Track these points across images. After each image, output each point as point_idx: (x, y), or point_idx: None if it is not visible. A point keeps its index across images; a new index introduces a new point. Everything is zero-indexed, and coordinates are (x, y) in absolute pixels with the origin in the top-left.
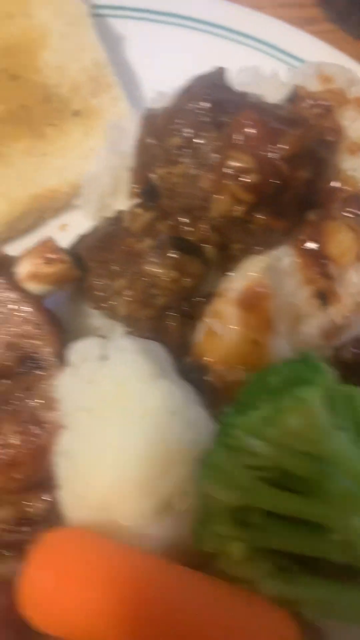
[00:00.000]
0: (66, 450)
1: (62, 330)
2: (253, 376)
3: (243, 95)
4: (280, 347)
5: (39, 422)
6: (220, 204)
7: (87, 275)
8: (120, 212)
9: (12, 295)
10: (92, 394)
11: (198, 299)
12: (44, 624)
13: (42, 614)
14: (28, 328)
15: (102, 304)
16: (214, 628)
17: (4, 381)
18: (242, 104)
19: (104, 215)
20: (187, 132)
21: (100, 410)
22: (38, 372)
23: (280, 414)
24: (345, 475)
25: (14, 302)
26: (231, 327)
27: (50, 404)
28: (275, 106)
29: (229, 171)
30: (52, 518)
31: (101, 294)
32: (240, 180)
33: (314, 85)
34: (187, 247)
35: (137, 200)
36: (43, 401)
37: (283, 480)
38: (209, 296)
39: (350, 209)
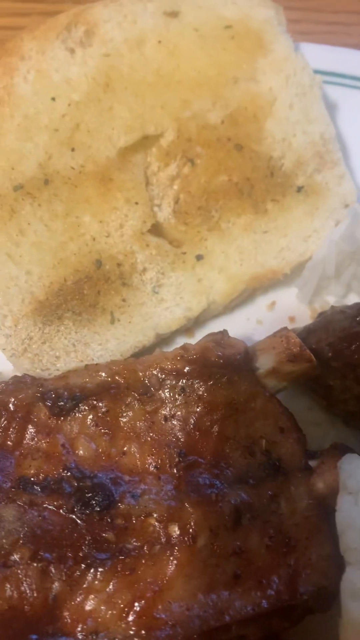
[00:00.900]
0: (355, 590)
1: (302, 432)
2: None
3: None
4: None
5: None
6: None
7: (327, 374)
8: None
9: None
10: None
11: None
12: None
13: None
14: (273, 431)
15: (340, 404)
16: None
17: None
18: None
19: (326, 303)
20: None
21: None
22: (282, 478)
23: None
24: None
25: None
26: None
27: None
28: None
29: None
30: None
31: (343, 396)
32: None
33: None
34: None
35: None
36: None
37: None
38: None
39: None
